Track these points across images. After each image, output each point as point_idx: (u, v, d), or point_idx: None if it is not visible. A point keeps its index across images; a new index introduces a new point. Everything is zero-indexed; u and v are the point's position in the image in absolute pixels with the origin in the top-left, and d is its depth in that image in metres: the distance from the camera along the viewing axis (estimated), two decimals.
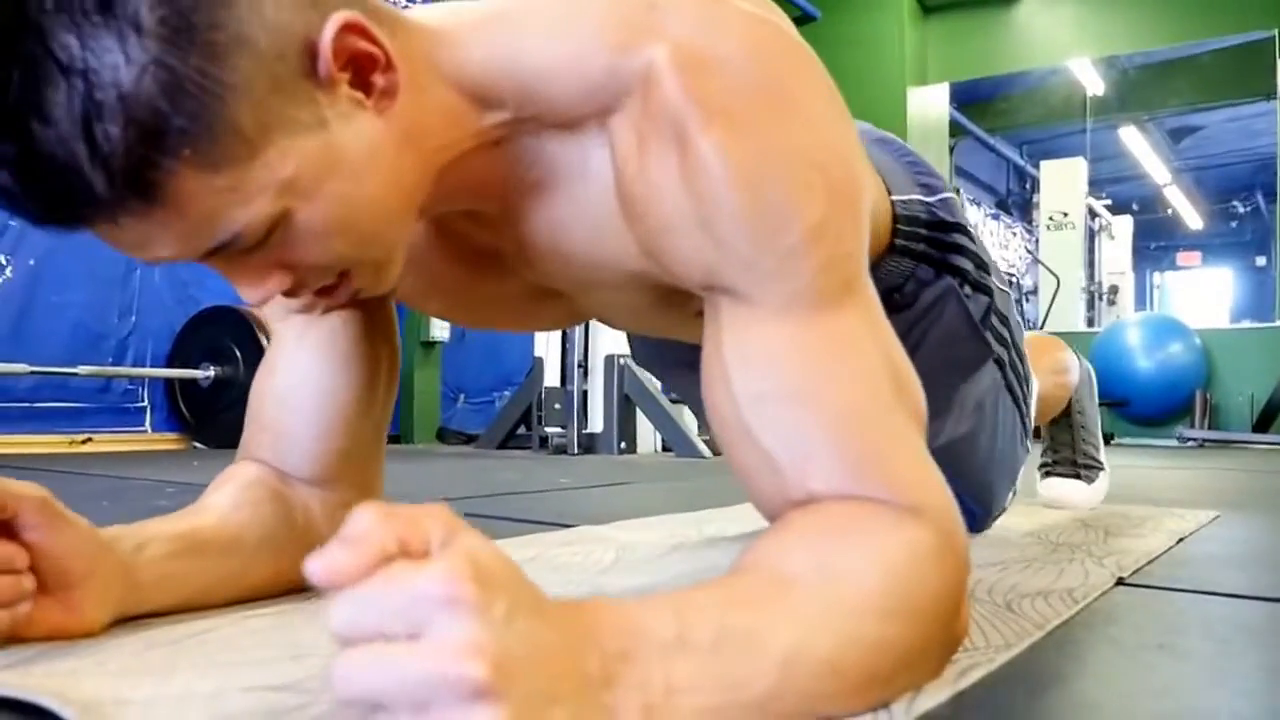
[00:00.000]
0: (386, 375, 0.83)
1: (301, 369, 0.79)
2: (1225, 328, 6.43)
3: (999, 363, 1.05)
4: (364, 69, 0.53)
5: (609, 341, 3.56)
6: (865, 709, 0.51)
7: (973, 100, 9.17)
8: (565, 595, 0.89)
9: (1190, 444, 5.17)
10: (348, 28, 0.52)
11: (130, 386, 3.82)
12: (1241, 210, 12.88)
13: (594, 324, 3.36)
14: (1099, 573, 1.05)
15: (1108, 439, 5.63)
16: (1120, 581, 1.03)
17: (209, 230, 0.49)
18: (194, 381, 3.76)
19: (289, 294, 0.55)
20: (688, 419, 3.56)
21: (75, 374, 3.38)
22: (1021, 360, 1.10)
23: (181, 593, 0.71)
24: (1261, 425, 5.33)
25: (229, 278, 0.55)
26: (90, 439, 3.57)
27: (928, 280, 0.94)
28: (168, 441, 3.86)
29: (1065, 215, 8.71)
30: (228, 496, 0.77)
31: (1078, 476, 1.60)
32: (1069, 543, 1.27)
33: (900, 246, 0.92)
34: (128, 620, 0.69)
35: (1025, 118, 9.80)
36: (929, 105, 6.87)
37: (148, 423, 3.86)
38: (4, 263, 3.29)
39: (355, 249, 0.55)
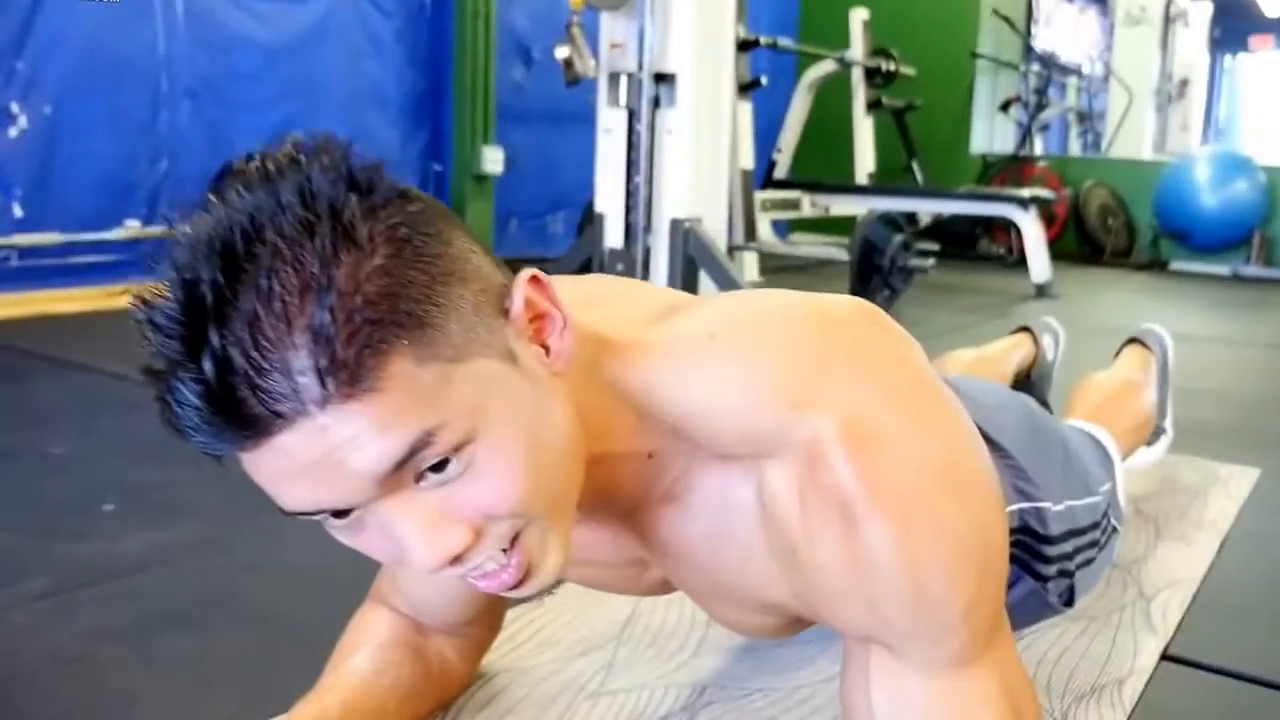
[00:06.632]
0: None
1: None
2: None
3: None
4: (541, 329, 0.56)
5: (673, 204, 3.27)
6: None
7: None
8: None
9: (1244, 279, 5.06)
10: (535, 280, 0.56)
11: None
12: None
13: (657, 185, 3.20)
14: (1145, 641, 1.05)
15: (1163, 265, 5.52)
16: (1165, 656, 1.03)
17: (410, 420, 0.49)
18: None
19: (458, 559, 0.53)
20: (750, 278, 3.34)
21: (108, 239, 3.20)
22: (1107, 521, 1.07)
23: None
24: None
25: (406, 532, 0.52)
26: (128, 290, 3.54)
27: (1013, 580, 0.94)
28: None
29: (1143, 10, 8.11)
30: (370, 661, 0.82)
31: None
32: (1119, 561, 1.24)
33: None
34: None
35: None
36: None
37: None
38: (16, 111, 2.96)
39: (533, 497, 0.54)
